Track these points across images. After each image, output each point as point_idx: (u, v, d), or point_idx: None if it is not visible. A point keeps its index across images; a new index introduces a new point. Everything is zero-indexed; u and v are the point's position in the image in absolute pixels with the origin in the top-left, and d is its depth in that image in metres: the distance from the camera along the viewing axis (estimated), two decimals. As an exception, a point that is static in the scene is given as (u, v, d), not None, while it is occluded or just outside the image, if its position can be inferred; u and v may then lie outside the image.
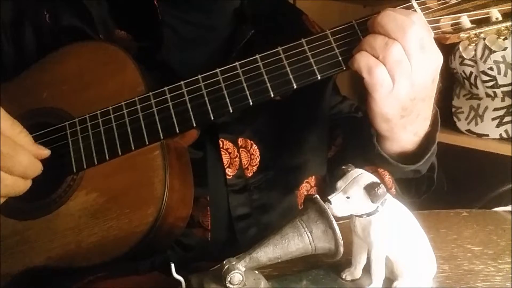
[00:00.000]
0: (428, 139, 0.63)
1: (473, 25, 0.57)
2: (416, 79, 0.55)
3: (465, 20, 0.56)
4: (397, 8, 0.57)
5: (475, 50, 1.16)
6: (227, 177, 0.69)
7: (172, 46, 0.70)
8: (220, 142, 0.69)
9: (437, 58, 0.56)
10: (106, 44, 0.66)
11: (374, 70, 0.54)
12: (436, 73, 0.57)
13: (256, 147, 0.72)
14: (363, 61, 0.54)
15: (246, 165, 0.71)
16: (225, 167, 0.69)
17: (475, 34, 0.57)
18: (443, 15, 0.57)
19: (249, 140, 0.72)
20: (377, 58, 0.54)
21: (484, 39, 0.58)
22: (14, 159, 0.53)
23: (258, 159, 0.72)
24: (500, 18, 0.56)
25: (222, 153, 0.69)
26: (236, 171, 0.70)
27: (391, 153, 0.64)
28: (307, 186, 0.78)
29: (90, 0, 0.70)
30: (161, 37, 0.69)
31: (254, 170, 0.72)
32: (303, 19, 0.83)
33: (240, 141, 0.71)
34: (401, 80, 0.54)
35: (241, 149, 0.71)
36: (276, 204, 0.74)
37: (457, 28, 0.57)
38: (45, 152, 0.57)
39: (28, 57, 0.68)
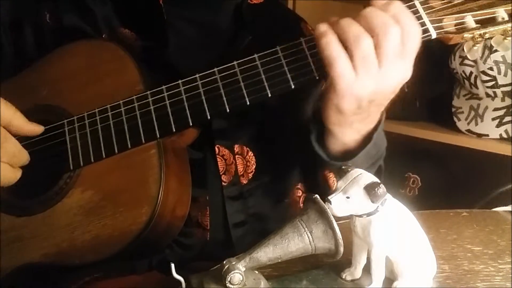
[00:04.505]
0: (368, 137, 0.62)
1: (477, 25, 0.55)
2: (382, 83, 0.54)
3: (469, 20, 0.55)
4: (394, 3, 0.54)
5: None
6: (223, 183, 0.69)
7: (176, 48, 0.70)
8: (216, 148, 0.69)
9: (406, 72, 0.55)
10: (106, 43, 0.66)
11: (336, 63, 0.52)
12: (400, 85, 0.56)
13: (252, 154, 0.72)
14: (328, 49, 0.53)
15: (242, 172, 0.71)
16: (221, 173, 0.69)
17: (480, 34, 0.56)
18: (446, 15, 0.55)
19: (245, 147, 0.71)
20: (345, 46, 0.52)
21: (489, 39, 0.57)
22: (4, 146, 0.53)
23: (254, 166, 0.72)
24: (506, 18, 0.54)
25: (218, 159, 0.69)
26: (231, 178, 0.70)
27: (334, 151, 0.63)
28: (299, 192, 0.78)
29: (94, 0, 0.70)
30: (166, 38, 0.69)
31: (250, 177, 0.71)
32: (302, 27, 0.82)
33: (237, 148, 0.70)
34: (365, 78, 0.53)
35: (237, 156, 0.70)
36: (271, 211, 0.74)
37: (461, 28, 0.56)
38: (40, 129, 0.59)
39: (28, 57, 0.68)
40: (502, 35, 0.56)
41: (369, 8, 0.53)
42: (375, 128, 0.62)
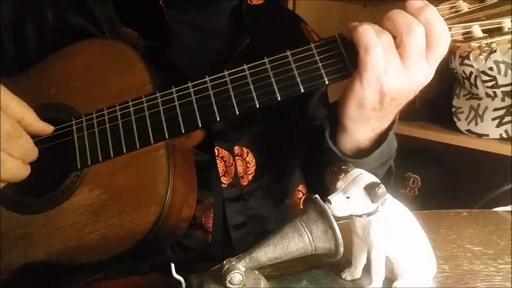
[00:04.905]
0: (381, 136, 0.63)
1: (484, 34, 0.56)
2: (407, 83, 0.55)
3: (476, 29, 0.56)
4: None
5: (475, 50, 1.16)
6: (222, 185, 0.69)
7: (178, 47, 0.70)
8: (216, 150, 0.69)
9: (429, 75, 0.56)
10: (116, 42, 0.66)
11: (372, 49, 0.53)
12: (421, 87, 0.57)
13: (252, 156, 0.72)
14: (365, 35, 0.54)
15: (242, 174, 0.71)
16: (220, 175, 0.69)
17: (487, 43, 0.56)
18: (454, 24, 0.56)
19: (245, 149, 0.71)
20: None
21: (494, 50, 0.58)
22: (17, 142, 0.53)
23: (254, 168, 0.72)
24: None
25: (218, 161, 0.69)
26: (231, 179, 0.70)
27: (345, 149, 0.63)
28: (300, 194, 0.78)
29: (95, 0, 0.70)
30: (169, 37, 0.69)
31: (250, 178, 0.72)
32: (301, 27, 0.82)
33: (236, 149, 0.71)
34: (391, 72, 0.54)
35: (236, 158, 0.71)
36: (271, 212, 0.74)
37: (468, 37, 0.57)
38: (50, 128, 0.60)
39: (30, 56, 0.68)
40: (509, 44, 0.57)
41: (395, 10, 0.54)
42: (389, 128, 0.62)
